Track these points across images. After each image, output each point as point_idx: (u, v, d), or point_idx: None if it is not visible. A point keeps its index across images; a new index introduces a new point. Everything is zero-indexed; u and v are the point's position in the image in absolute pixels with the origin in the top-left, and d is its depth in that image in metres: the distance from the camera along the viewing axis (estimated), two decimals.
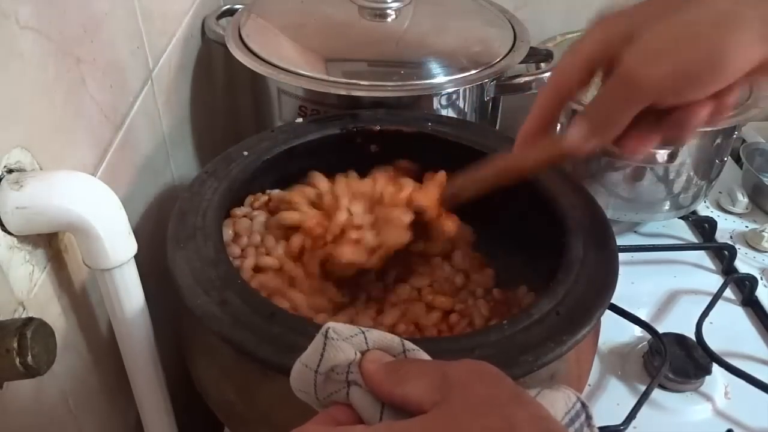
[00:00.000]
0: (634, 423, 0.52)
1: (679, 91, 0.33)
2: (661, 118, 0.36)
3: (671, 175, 0.69)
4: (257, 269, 0.47)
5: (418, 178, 0.51)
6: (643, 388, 0.55)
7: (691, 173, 0.70)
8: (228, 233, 0.48)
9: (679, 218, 0.77)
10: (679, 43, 0.33)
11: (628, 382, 0.59)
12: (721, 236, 0.76)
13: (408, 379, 0.27)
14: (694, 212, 0.78)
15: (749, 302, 0.67)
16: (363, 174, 0.52)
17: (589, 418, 0.32)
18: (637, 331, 0.62)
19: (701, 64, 0.32)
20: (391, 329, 0.45)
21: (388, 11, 0.64)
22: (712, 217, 0.76)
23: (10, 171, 0.33)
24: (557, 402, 0.32)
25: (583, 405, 0.33)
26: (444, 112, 0.61)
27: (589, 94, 0.39)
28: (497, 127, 0.69)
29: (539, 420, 0.25)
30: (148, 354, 0.44)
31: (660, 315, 0.66)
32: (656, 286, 0.69)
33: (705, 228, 0.76)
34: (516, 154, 0.42)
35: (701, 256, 0.73)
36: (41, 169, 0.35)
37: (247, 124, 0.71)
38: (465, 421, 0.24)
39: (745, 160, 0.83)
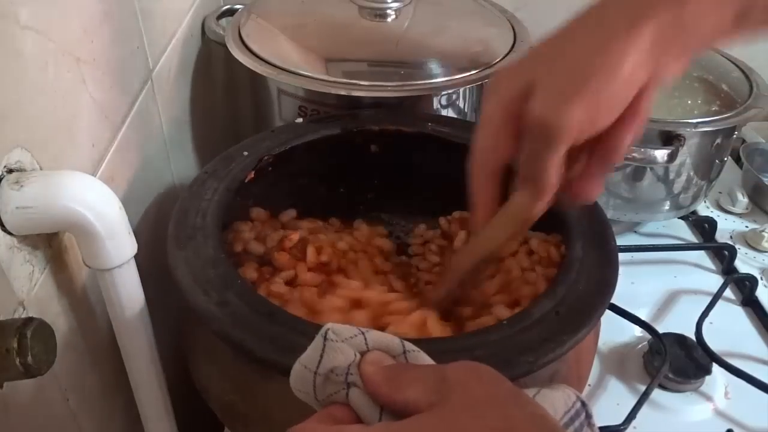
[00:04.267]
0: (634, 423, 0.52)
1: (593, 120, 0.33)
2: (592, 154, 0.36)
3: (671, 175, 0.69)
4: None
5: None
6: (643, 388, 0.55)
7: (691, 173, 0.70)
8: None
9: (679, 218, 0.77)
10: (578, 75, 0.33)
11: (628, 382, 0.59)
12: (721, 236, 0.76)
13: (406, 384, 0.27)
14: (694, 212, 0.78)
15: (749, 302, 0.67)
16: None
17: (589, 417, 0.32)
18: (637, 331, 0.62)
19: (606, 87, 0.33)
20: None
21: (388, 11, 0.64)
22: (712, 217, 0.76)
23: (10, 171, 0.33)
24: (557, 401, 0.32)
25: (583, 404, 0.33)
26: (444, 112, 0.61)
27: None
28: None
29: (537, 419, 0.25)
30: (148, 354, 0.44)
31: (660, 315, 0.66)
32: (656, 286, 0.69)
33: (705, 228, 0.76)
34: (477, 241, 0.42)
35: (701, 256, 0.73)
36: (41, 169, 0.35)
37: (247, 124, 0.70)
38: (463, 421, 0.24)
39: (745, 160, 0.83)
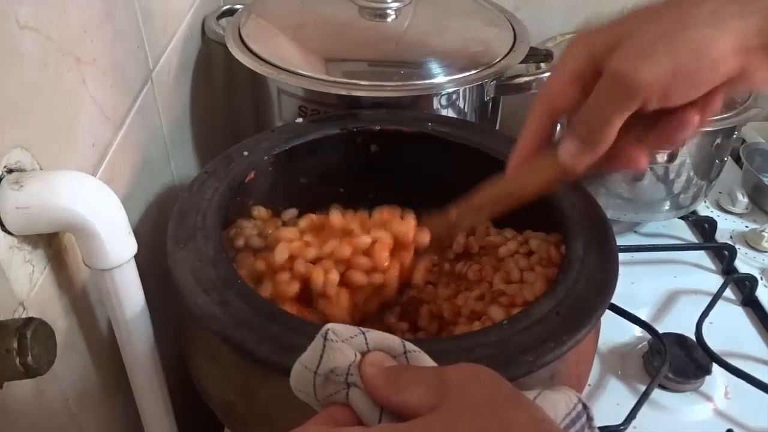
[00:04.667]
0: (634, 423, 0.52)
1: (670, 90, 0.33)
2: (648, 129, 0.35)
3: (671, 175, 0.69)
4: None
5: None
6: (643, 388, 0.55)
7: (691, 173, 0.70)
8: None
9: (679, 218, 0.77)
10: (669, 39, 0.32)
11: (628, 382, 0.59)
12: (721, 236, 0.76)
13: (406, 386, 0.27)
14: (694, 212, 0.78)
15: (749, 302, 0.67)
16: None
17: (590, 419, 0.32)
18: (637, 331, 0.62)
19: (694, 60, 0.32)
20: None
21: (388, 11, 0.64)
22: (712, 217, 0.76)
23: (10, 171, 0.33)
24: (558, 403, 0.32)
25: (585, 406, 0.33)
26: (444, 112, 0.61)
27: None
28: (497, 127, 0.69)
29: (537, 422, 0.25)
30: (148, 354, 0.44)
31: (660, 315, 0.66)
32: (656, 286, 0.69)
33: (705, 228, 0.76)
34: (510, 179, 0.41)
35: (701, 256, 0.73)
36: (41, 169, 0.35)
37: (247, 124, 0.71)
38: (462, 423, 0.24)
39: (745, 160, 0.83)
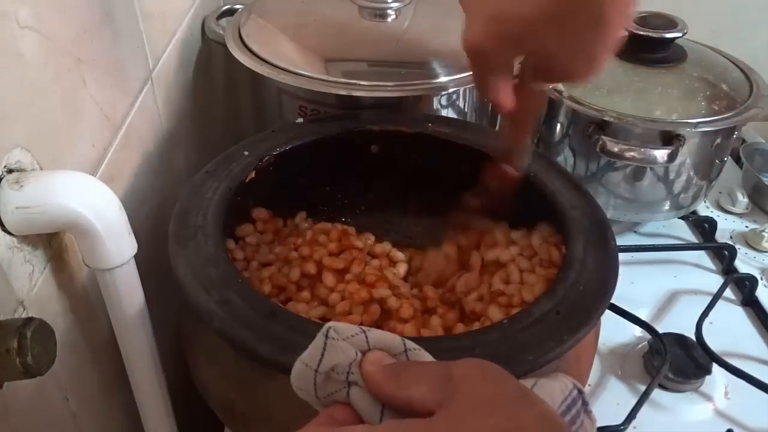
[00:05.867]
0: (634, 423, 0.52)
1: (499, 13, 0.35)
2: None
3: (671, 175, 0.69)
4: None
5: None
6: (643, 388, 0.55)
7: (691, 173, 0.70)
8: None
9: (679, 218, 0.77)
10: None
11: (628, 382, 0.59)
12: (721, 236, 0.76)
13: (411, 382, 0.27)
14: (694, 212, 0.78)
15: (749, 302, 0.67)
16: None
17: (585, 403, 0.33)
18: (637, 331, 0.62)
19: None
20: None
21: (388, 11, 0.64)
22: (712, 217, 0.76)
23: (10, 171, 0.33)
24: (554, 390, 0.32)
25: (580, 391, 0.33)
26: (444, 112, 0.61)
27: None
28: (497, 127, 0.69)
29: (545, 419, 0.25)
30: (148, 354, 0.44)
31: (660, 315, 0.66)
32: (656, 286, 0.69)
33: (705, 228, 0.76)
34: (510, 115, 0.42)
35: (701, 256, 0.73)
36: (41, 169, 0.35)
37: (247, 124, 0.71)
38: (471, 422, 0.24)
39: (745, 160, 0.83)
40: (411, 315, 0.44)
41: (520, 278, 0.47)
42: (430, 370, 0.27)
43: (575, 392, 0.33)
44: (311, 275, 0.48)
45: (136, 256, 0.40)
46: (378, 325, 0.44)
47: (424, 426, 0.25)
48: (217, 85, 0.76)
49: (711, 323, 0.62)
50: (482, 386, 0.26)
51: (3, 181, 0.33)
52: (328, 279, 0.47)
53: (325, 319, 0.44)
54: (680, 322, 0.63)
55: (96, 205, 0.35)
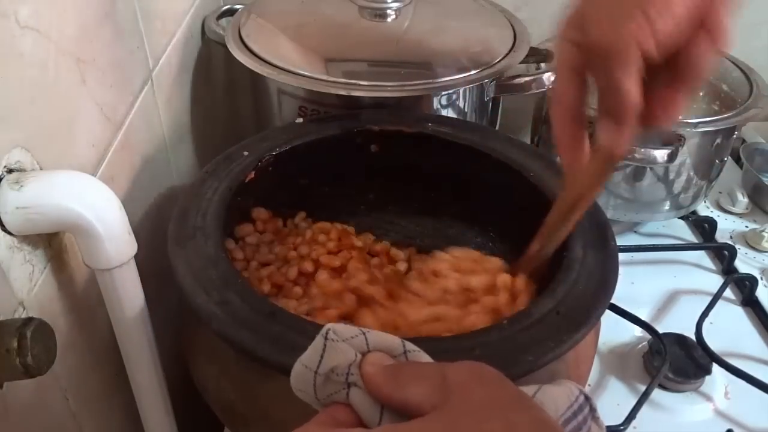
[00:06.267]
0: (634, 423, 0.52)
1: (651, 32, 0.32)
2: (671, 73, 0.35)
3: (671, 175, 0.69)
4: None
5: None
6: (643, 388, 0.55)
7: (691, 173, 0.70)
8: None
9: (679, 218, 0.77)
10: None
11: (628, 382, 0.59)
12: (721, 236, 0.76)
13: (408, 382, 0.27)
14: (694, 212, 0.78)
15: (749, 302, 0.67)
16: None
17: (593, 410, 0.32)
18: (637, 331, 0.62)
19: None
20: None
21: (388, 11, 0.64)
22: (712, 217, 0.76)
23: (10, 171, 0.33)
24: (559, 397, 0.32)
25: (587, 398, 0.33)
26: (444, 112, 0.61)
27: None
28: (497, 127, 0.69)
29: (540, 424, 0.25)
30: (148, 354, 0.44)
31: (660, 315, 0.66)
32: (656, 286, 0.69)
33: (705, 228, 0.76)
34: (570, 187, 0.41)
35: (701, 256, 0.73)
36: (41, 169, 0.35)
37: (247, 124, 0.71)
38: (465, 425, 0.24)
39: (745, 160, 0.83)
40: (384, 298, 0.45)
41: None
42: (427, 372, 0.27)
43: (582, 399, 0.32)
44: (308, 273, 0.48)
45: (136, 257, 0.40)
46: (356, 314, 0.45)
47: (417, 428, 0.25)
48: (217, 85, 0.76)
49: (711, 323, 0.62)
50: (478, 389, 0.26)
51: (3, 181, 0.33)
52: (322, 277, 0.47)
53: (310, 315, 0.44)
54: (680, 322, 0.63)
55: (96, 206, 0.35)
